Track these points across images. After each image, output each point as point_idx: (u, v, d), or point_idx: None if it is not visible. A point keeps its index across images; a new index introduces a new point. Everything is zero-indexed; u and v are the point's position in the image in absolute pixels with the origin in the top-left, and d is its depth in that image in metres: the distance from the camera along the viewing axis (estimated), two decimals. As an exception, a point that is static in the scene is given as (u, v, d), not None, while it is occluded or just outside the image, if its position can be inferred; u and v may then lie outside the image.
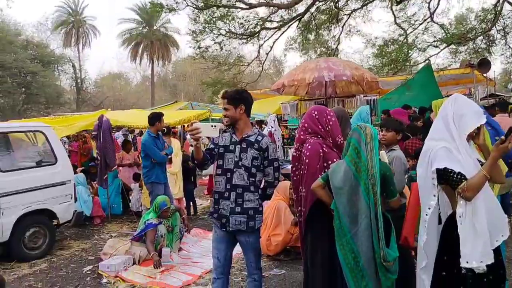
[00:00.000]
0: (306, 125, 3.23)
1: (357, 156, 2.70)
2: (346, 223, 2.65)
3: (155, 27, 38.20)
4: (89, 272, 4.78)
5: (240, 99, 3.10)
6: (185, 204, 7.26)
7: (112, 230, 6.64)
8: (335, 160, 3.12)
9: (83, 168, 8.09)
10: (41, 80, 28.03)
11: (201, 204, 8.14)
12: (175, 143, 6.76)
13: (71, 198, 5.75)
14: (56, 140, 5.85)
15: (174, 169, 6.75)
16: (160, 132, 6.07)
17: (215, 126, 3.04)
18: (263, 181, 3.24)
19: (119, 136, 9.73)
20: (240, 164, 3.07)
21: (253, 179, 3.10)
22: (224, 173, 3.11)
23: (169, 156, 6.15)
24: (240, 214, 3.06)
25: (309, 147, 3.18)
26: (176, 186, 6.72)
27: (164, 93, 41.22)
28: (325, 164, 3.14)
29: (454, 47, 14.65)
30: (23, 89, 28.57)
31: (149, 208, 5.99)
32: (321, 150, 3.11)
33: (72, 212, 5.79)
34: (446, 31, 13.81)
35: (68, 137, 10.73)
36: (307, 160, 3.18)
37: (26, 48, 28.23)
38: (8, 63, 25.80)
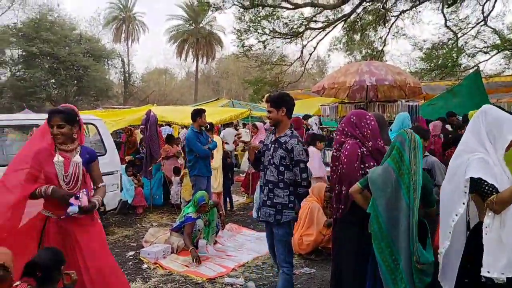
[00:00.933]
0: (346, 129, 3.33)
1: (400, 159, 2.74)
2: (386, 226, 2.69)
3: (201, 25, 38.98)
4: (131, 257, 5.10)
5: (282, 102, 3.39)
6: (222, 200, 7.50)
7: (153, 219, 6.99)
8: (372, 164, 3.20)
9: (130, 159, 8.54)
10: (92, 73, 29.39)
11: (237, 200, 8.35)
12: (217, 140, 7.00)
13: (118, 187, 6.10)
14: (106, 132, 6.21)
15: (215, 164, 6.98)
16: (203, 128, 6.34)
17: (246, 132, 3.31)
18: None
19: (166, 131, 10.09)
20: (272, 162, 3.37)
21: (282, 176, 3.36)
22: (263, 169, 3.48)
23: (212, 151, 6.39)
24: (269, 207, 3.37)
25: (348, 147, 3.27)
26: (216, 181, 6.95)
27: (207, 90, 42.02)
28: (362, 166, 3.23)
29: (509, 53, 14.03)
30: (75, 81, 30.05)
31: (188, 201, 6.28)
32: (359, 151, 3.18)
33: (117, 200, 6.15)
34: (501, 36, 13.25)
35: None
36: (345, 159, 3.25)
37: (79, 42, 29.64)
38: (63, 56, 27.25)
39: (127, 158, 8.40)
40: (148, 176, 7.43)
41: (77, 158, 2.94)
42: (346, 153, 3.22)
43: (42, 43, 26.46)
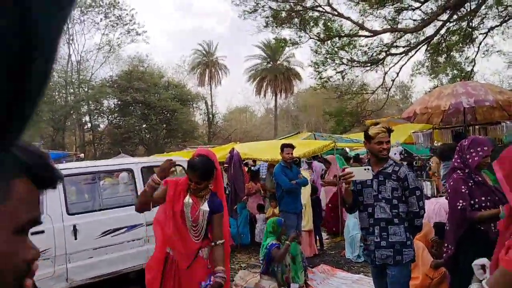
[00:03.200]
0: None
1: None
2: None
3: (278, 62, 39.85)
4: (221, 301, 4.95)
5: (391, 132, 3.18)
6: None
7: (241, 260, 6.85)
8: (482, 198, 2.85)
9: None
10: (179, 117, 31.28)
11: (327, 239, 7.93)
12: (306, 175, 6.77)
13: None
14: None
15: (303, 200, 6.73)
16: (292, 163, 6.22)
17: (368, 169, 2.98)
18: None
19: (258, 167, 10.08)
20: (379, 197, 3.05)
21: (396, 211, 3.03)
22: (365, 208, 3.14)
23: (301, 187, 6.20)
24: (385, 248, 3.03)
25: (451, 182, 2.98)
26: (305, 218, 6.67)
27: (286, 125, 42.30)
28: (472, 202, 2.89)
29: None
30: (164, 125, 32.14)
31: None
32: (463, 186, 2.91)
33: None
34: None
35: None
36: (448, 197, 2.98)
37: (167, 88, 31.86)
38: (153, 103, 29.43)
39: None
40: (234, 215, 7.38)
41: (205, 207, 2.95)
42: (449, 190, 2.96)
43: (135, 92, 28.89)
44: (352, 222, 6.68)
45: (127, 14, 29.99)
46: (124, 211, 5.28)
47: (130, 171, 5.51)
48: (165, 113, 31.23)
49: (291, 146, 6.18)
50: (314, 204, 7.08)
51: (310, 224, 6.83)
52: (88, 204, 5.72)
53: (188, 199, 2.93)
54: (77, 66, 30.30)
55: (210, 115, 39.42)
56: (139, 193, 5.39)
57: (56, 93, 28.77)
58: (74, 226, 4.78)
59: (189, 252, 2.91)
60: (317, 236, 7.31)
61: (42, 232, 4.52)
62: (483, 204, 2.89)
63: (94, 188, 5.60)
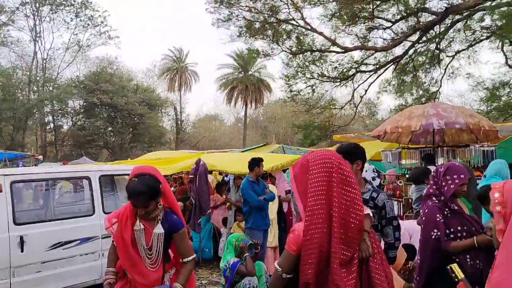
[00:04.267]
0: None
1: None
2: None
3: (250, 72, 39.91)
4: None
5: (357, 154, 2.80)
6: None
7: (202, 276, 6.55)
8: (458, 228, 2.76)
9: (181, 207, 8.25)
10: (147, 121, 30.64)
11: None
12: (273, 189, 6.60)
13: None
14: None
15: (270, 216, 6.54)
16: (259, 178, 6.04)
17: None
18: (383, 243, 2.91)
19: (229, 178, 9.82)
20: None
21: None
22: None
23: (269, 202, 6.01)
24: None
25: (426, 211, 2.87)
26: (271, 234, 6.48)
27: (255, 135, 42.29)
28: (447, 231, 2.78)
29: None
30: (131, 129, 31.37)
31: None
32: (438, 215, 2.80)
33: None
34: None
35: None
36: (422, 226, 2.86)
37: (136, 92, 31.20)
38: (120, 106, 28.67)
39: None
40: (197, 230, 7.08)
41: (159, 229, 2.63)
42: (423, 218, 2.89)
43: (102, 94, 28.07)
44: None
45: (99, 15, 29.23)
46: (78, 222, 4.92)
47: (87, 179, 5.14)
48: (132, 117, 30.54)
49: (263, 160, 6.01)
50: (279, 220, 6.90)
51: (276, 241, 6.64)
52: (38, 213, 5.29)
53: (138, 225, 2.61)
54: (42, 64, 29.14)
55: (179, 122, 38.86)
56: (95, 203, 5.06)
57: (19, 91, 27.49)
58: (21, 238, 4.38)
59: (150, 283, 2.62)
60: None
61: (-16, 243, 4.11)
62: (459, 234, 2.78)
63: (46, 195, 5.19)
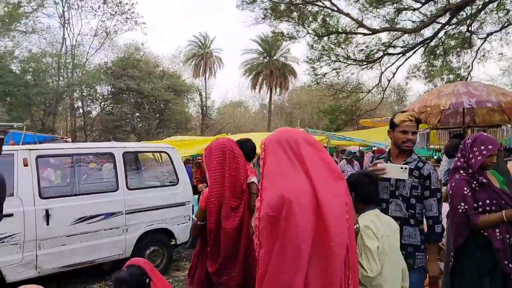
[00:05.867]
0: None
1: None
2: None
3: (275, 57, 39.56)
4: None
5: (419, 123, 2.90)
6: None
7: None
8: (487, 201, 2.61)
9: (202, 188, 8.31)
10: (173, 107, 30.95)
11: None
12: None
13: (189, 219, 5.83)
14: (179, 162, 6.02)
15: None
16: None
17: (405, 169, 2.66)
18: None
19: None
20: (396, 194, 2.75)
21: (413, 211, 2.72)
22: (378, 203, 2.78)
23: None
24: None
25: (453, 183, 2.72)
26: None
27: (280, 121, 42.07)
28: (475, 205, 2.64)
29: None
30: (157, 115, 31.76)
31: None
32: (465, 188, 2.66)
33: (189, 233, 5.87)
34: None
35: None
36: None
37: (162, 78, 31.44)
38: (147, 91, 29.01)
39: (200, 186, 8.15)
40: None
41: None
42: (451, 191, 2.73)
43: (129, 80, 28.45)
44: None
45: (126, 3, 29.47)
46: (102, 197, 5.00)
47: (111, 155, 5.20)
48: (159, 102, 30.87)
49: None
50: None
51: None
52: (63, 188, 5.41)
53: None
54: (71, 50, 29.72)
55: (204, 107, 39.06)
56: (119, 179, 5.12)
57: (49, 77, 28.19)
58: (47, 211, 4.49)
59: None
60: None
61: (11, 215, 4.23)
62: (488, 208, 2.63)
63: (71, 171, 5.29)
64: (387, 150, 3.26)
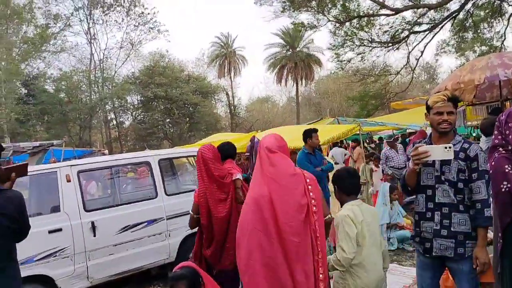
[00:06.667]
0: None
1: None
2: None
3: (298, 49, 39.24)
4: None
5: (457, 102, 2.74)
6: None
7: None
8: None
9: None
10: (201, 109, 31.37)
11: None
12: (330, 160, 6.48)
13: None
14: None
15: (332, 187, 6.42)
16: (315, 149, 5.98)
17: (449, 148, 2.51)
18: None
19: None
20: (442, 179, 2.63)
21: (461, 196, 2.59)
22: (423, 190, 2.71)
23: (328, 172, 5.93)
24: (446, 238, 2.61)
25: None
26: (336, 205, 6.39)
27: (309, 112, 41.75)
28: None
29: None
30: (187, 118, 32.28)
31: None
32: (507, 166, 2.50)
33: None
34: None
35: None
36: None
37: (188, 82, 31.90)
38: (175, 97, 29.55)
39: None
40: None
41: None
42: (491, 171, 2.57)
43: (156, 87, 29.05)
44: (381, 210, 6.35)
45: (148, 13, 30.09)
46: (143, 205, 5.13)
47: (147, 164, 5.34)
48: (187, 106, 31.36)
49: (317, 130, 5.89)
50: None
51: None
52: (105, 200, 5.60)
53: None
54: (99, 64, 30.65)
55: (232, 107, 39.31)
56: (157, 186, 5.25)
57: (81, 92, 29.23)
58: (93, 223, 4.66)
59: None
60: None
61: (60, 230, 4.42)
62: None
63: (112, 182, 5.47)
64: (421, 131, 3.16)
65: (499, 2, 14.53)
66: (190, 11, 77.05)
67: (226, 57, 40.77)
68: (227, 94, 39.26)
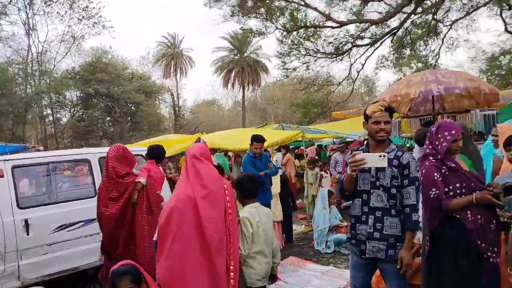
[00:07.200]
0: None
1: None
2: None
3: (246, 54, 39.55)
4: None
5: (393, 112, 2.91)
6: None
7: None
8: (457, 185, 2.76)
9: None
10: (144, 109, 30.53)
11: (295, 230, 7.80)
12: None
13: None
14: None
15: (274, 191, 6.53)
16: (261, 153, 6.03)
17: (384, 157, 2.69)
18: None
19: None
20: (377, 184, 2.79)
21: (394, 201, 2.76)
22: (359, 195, 2.86)
23: (271, 176, 6.02)
24: (379, 241, 2.77)
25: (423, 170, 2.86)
26: (276, 209, 6.50)
27: (254, 117, 42.17)
28: (446, 189, 2.76)
29: None
30: (129, 118, 31.29)
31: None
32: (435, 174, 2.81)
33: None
34: None
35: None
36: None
37: (131, 80, 30.94)
38: (117, 95, 28.51)
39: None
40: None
41: None
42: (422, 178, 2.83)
43: (98, 84, 27.86)
44: (322, 215, 6.58)
45: (93, 7, 28.78)
46: (81, 204, 4.93)
47: (87, 161, 5.13)
48: (130, 105, 30.42)
49: (262, 141, 5.88)
50: (284, 194, 6.91)
51: (280, 216, 6.67)
52: (41, 197, 5.29)
53: None
54: (38, 57, 28.81)
55: (176, 108, 38.71)
56: (96, 184, 5.06)
57: (16, 85, 27.28)
58: (26, 221, 4.40)
59: None
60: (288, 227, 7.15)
61: (-11, 227, 4.13)
62: (458, 191, 2.76)
63: (48, 179, 5.18)
64: (361, 140, 3.36)
65: (435, 22, 15.63)
66: (137, 8, 74.96)
67: (173, 58, 40.12)
68: (172, 94, 38.62)
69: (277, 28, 15.80)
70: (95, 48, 31.59)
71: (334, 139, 14.91)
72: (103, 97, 29.44)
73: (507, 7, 13.23)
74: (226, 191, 2.87)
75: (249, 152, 5.97)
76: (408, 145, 9.32)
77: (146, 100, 30.83)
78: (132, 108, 30.60)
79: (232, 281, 2.77)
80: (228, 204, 2.83)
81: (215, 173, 2.89)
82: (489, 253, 2.68)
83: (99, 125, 30.15)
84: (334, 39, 16.29)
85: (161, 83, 37.16)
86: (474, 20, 15.82)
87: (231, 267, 2.79)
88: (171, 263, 2.65)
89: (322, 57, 16.68)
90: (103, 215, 3.66)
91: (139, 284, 2.61)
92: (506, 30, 14.74)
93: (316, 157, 10.70)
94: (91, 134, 29.41)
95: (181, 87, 41.59)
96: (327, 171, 8.67)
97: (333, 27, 15.62)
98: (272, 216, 3.66)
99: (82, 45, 31.53)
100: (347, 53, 16.36)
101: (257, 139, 5.85)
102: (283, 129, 12.37)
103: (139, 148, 6.70)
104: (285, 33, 15.94)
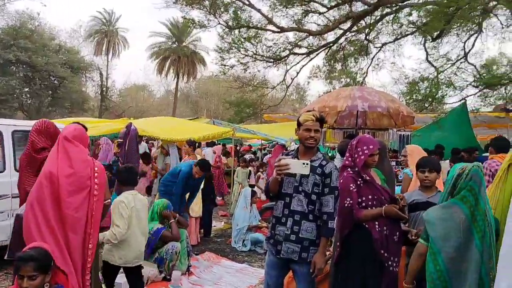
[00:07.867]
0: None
1: (475, 204, 2.43)
2: (450, 281, 2.41)
3: (184, 44, 38.81)
4: None
5: (323, 122, 3.06)
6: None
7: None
8: (369, 196, 2.95)
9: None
10: (68, 85, 28.57)
11: (214, 226, 7.84)
12: (199, 157, 6.56)
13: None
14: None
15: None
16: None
17: (307, 164, 2.81)
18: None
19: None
20: (300, 189, 2.91)
21: (312, 207, 2.90)
22: (282, 197, 2.97)
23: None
24: (294, 243, 2.90)
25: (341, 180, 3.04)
26: (196, 205, 6.47)
27: (186, 109, 41.60)
28: (359, 200, 2.97)
29: (485, 90, 14.33)
30: (50, 92, 29.14)
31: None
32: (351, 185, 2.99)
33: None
34: (480, 73, 13.58)
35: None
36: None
37: (58, 52, 28.84)
38: (40, 66, 26.38)
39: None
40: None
41: None
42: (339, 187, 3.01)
43: (19, 51, 25.55)
44: (242, 213, 6.69)
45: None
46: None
47: (-2, 134, 4.71)
48: (52, 79, 28.32)
49: (207, 170, 5.85)
50: (207, 190, 6.91)
51: (200, 211, 6.66)
52: None
53: None
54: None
55: (104, 88, 36.84)
56: (6, 160, 4.67)
57: None
58: None
59: None
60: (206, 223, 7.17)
61: None
62: (370, 203, 2.98)
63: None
64: (283, 144, 3.50)
65: (367, 42, 16.60)
66: (72, -24, 70.02)
67: (106, 35, 38.14)
68: (100, 74, 36.65)
69: (219, 23, 15.70)
70: (20, 12, 28.99)
71: (262, 141, 15.23)
72: (24, 66, 27.08)
73: (430, 38, 14.44)
74: (96, 174, 2.97)
75: (190, 170, 5.74)
76: (330, 154, 9.80)
77: (72, 76, 28.90)
78: (55, 82, 28.51)
79: (89, 258, 2.95)
80: (96, 186, 2.94)
81: (84, 157, 2.99)
82: (390, 262, 2.93)
83: (15, 95, 27.62)
84: (274, 43, 16.60)
85: (90, 60, 35.15)
86: (401, 45, 17.01)
87: (90, 245, 2.94)
88: (28, 224, 2.77)
89: (260, 60, 16.90)
90: (25, 190, 3.39)
91: (46, 271, 2.41)
92: (427, 59, 16.07)
93: (253, 156, 10.87)
94: (5, 103, 26.85)
95: (111, 67, 39.57)
96: (264, 172, 8.84)
97: (274, 31, 15.90)
98: (147, 203, 4.10)
99: (7, 7, 28.79)
100: (284, 59, 16.76)
101: (203, 168, 5.71)
102: (214, 124, 12.37)
103: (58, 125, 6.28)
104: (227, 29, 15.90)
